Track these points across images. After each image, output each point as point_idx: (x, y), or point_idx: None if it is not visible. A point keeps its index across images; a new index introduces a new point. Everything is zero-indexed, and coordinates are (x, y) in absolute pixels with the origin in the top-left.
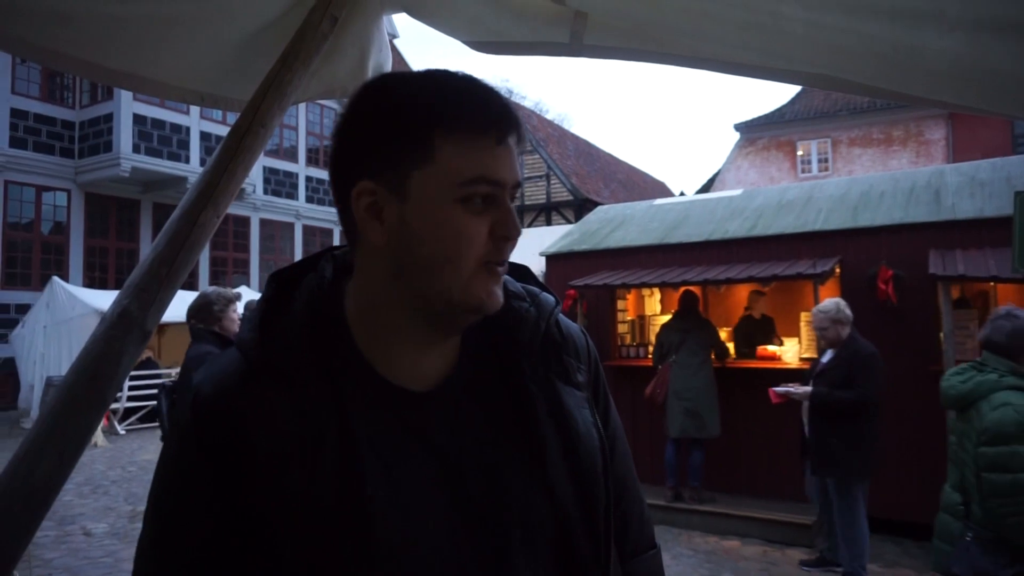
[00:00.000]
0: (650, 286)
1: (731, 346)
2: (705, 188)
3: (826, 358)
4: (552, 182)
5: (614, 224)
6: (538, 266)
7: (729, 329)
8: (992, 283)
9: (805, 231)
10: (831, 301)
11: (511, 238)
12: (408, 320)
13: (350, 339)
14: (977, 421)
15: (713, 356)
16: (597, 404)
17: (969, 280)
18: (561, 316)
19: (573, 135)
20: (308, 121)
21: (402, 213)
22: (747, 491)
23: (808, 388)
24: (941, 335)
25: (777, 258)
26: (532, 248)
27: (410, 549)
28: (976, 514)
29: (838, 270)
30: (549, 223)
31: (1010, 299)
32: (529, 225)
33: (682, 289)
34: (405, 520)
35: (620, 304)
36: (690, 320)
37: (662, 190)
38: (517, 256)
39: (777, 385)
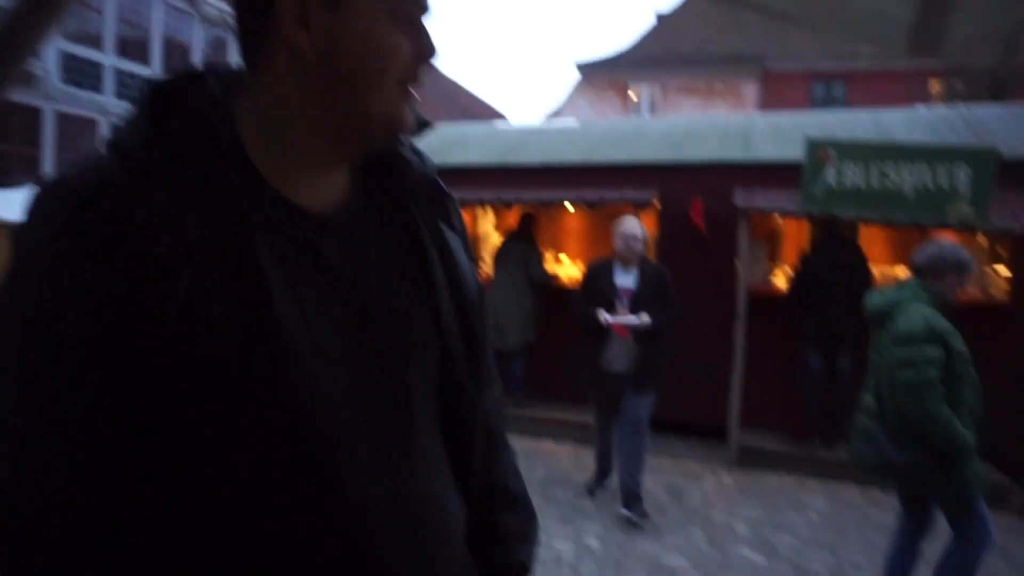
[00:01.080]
0: (486, 204)
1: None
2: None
3: (626, 279)
4: None
5: (454, 143)
6: None
7: (554, 251)
8: (782, 220)
9: (632, 162)
10: (632, 219)
11: (431, 57)
12: (315, 139)
13: (246, 156)
14: (892, 328)
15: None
16: (468, 255)
17: (765, 213)
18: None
19: None
20: (119, 5)
21: (332, 22)
22: (561, 398)
23: (643, 317)
24: (737, 262)
25: (607, 185)
26: None
27: (318, 366)
28: (888, 413)
29: (658, 200)
30: None
31: (797, 237)
32: None
33: (521, 209)
34: (312, 338)
35: None
36: (517, 240)
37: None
38: None
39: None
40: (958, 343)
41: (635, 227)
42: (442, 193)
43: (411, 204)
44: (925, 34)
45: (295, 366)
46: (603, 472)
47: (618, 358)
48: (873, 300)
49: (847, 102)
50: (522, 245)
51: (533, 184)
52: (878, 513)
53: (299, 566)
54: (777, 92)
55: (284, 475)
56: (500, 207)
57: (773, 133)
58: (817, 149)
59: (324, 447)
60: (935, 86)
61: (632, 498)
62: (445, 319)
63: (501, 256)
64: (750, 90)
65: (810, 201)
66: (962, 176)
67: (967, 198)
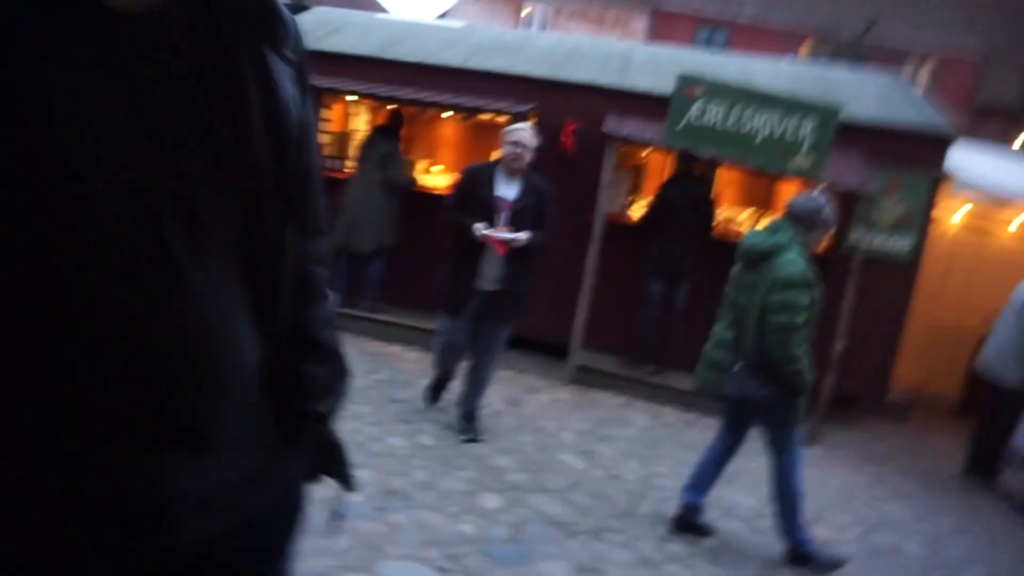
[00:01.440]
0: (358, 96)
1: None
2: None
3: (508, 189)
4: None
5: (330, 28)
6: None
7: (426, 158)
8: (648, 153)
9: (511, 72)
10: (526, 126)
11: None
12: None
13: None
14: (769, 273)
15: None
16: (301, 90)
17: (631, 142)
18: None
19: None
20: None
21: None
22: (416, 305)
23: (521, 234)
24: (600, 188)
25: (483, 93)
26: None
27: (88, 159)
28: (746, 348)
29: (535, 115)
30: None
31: (660, 172)
32: None
33: (391, 107)
34: (85, 130)
35: (324, 113)
36: (380, 137)
37: None
38: None
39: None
40: (817, 292)
41: (528, 135)
42: (274, 17)
43: (234, 24)
44: None
45: (58, 154)
46: (441, 385)
47: (487, 275)
48: (754, 240)
49: (728, 50)
50: (385, 144)
51: (409, 82)
52: (690, 433)
53: (58, 373)
54: (665, 30)
55: (39, 269)
56: (373, 102)
57: (651, 64)
58: (686, 85)
59: (85, 241)
60: (806, 46)
61: (468, 418)
62: (255, 148)
63: (363, 153)
64: (640, 25)
65: (671, 135)
66: (807, 129)
67: (808, 150)
